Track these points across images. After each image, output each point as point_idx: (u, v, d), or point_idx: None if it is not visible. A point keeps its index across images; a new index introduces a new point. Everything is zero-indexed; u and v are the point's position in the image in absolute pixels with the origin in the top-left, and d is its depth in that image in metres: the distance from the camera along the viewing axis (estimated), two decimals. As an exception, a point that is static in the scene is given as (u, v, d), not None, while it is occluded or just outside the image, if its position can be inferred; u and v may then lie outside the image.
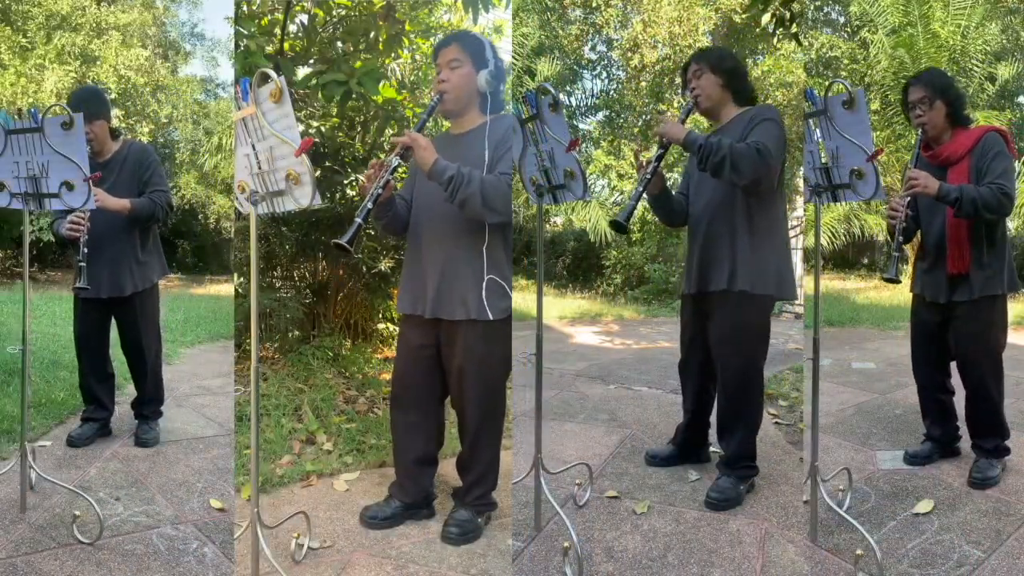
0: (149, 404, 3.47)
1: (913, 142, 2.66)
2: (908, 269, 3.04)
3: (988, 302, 2.75)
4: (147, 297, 3.36)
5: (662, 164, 2.66)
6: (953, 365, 2.95)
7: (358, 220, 2.19)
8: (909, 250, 2.98)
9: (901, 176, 2.72)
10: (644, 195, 2.68)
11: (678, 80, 12.28)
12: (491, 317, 2.36)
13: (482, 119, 2.46)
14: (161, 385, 3.54)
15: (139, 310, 3.33)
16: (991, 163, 2.64)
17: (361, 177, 4.62)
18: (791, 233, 10.44)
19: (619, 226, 2.56)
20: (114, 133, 3.31)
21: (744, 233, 2.60)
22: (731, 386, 2.70)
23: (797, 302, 9.82)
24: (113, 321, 3.40)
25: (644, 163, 2.68)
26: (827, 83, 2.58)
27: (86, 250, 2.98)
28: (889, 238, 2.72)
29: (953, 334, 2.85)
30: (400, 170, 2.34)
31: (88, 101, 3.17)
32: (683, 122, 2.64)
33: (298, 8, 4.19)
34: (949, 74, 2.81)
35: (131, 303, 3.30)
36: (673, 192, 2.90)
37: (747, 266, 2.60)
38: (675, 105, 12.12)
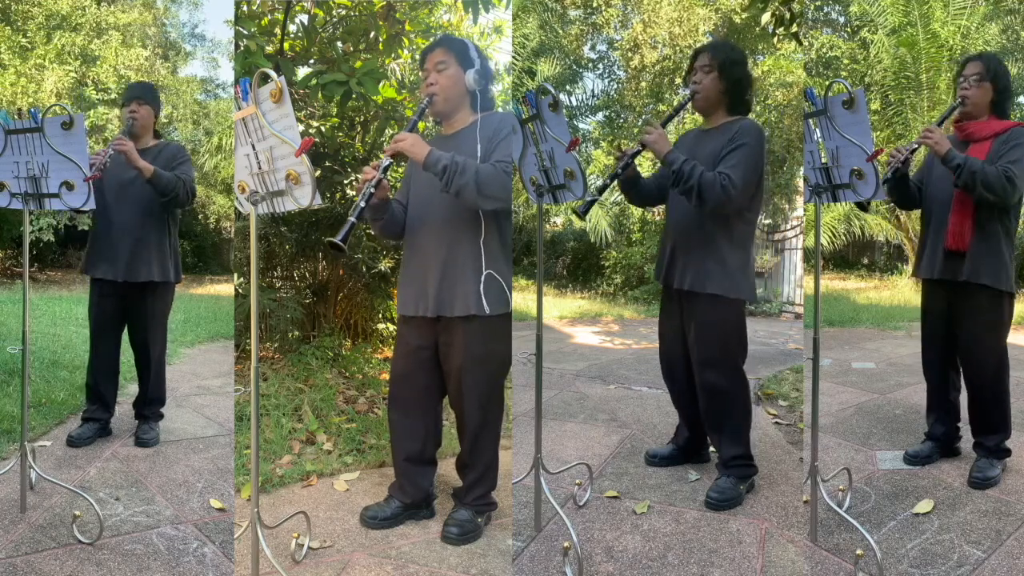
0: (151, 404, 3.47)
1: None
2: (908, 269, 3.05)
3: (990, 295, 2.74)
4: (159, 295, 3.38)
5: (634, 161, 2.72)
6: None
7: (351, 219, 2.20)
8: (905, 240, 3.05)
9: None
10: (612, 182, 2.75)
11: (678, 80, 12.34)
12: (487, 312, 2.36)
13: (473, 117, 2.48)
14: (164, 386, 3.55)
15: (150, 304, 3.36)
16: (1009, 150, 2.65)
17: (361, 177, 4.62)
18: (791, 233, 10.46)
19: (580, 216, 2.63)
20: (157, 133, 3.45)
21: (720, 237, 2.64)
22: (712, 388, 2.72)
23: (797, 302, 9.83)
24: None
25: (621, 155, 2.67)
26: (827, 83, 2.58)
27: (98, 173, 2.88)
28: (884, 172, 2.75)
29: (957, 326, 2.85)
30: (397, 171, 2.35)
31: (141, 85, 3.66)
32: (676, 115, 2.72)
33: (298, 8, 4.19)
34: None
35: (143, 298, 3.33)
36: (649, 175, 2.96)
37: (720, 270, 2.64)
38: (674, 105, 12.12)
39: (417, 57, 4.59)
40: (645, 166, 8.81)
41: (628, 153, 2.64)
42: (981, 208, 2.70)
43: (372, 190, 2.26)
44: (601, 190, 2.66)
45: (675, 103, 12.46)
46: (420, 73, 2.53)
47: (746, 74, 2.71)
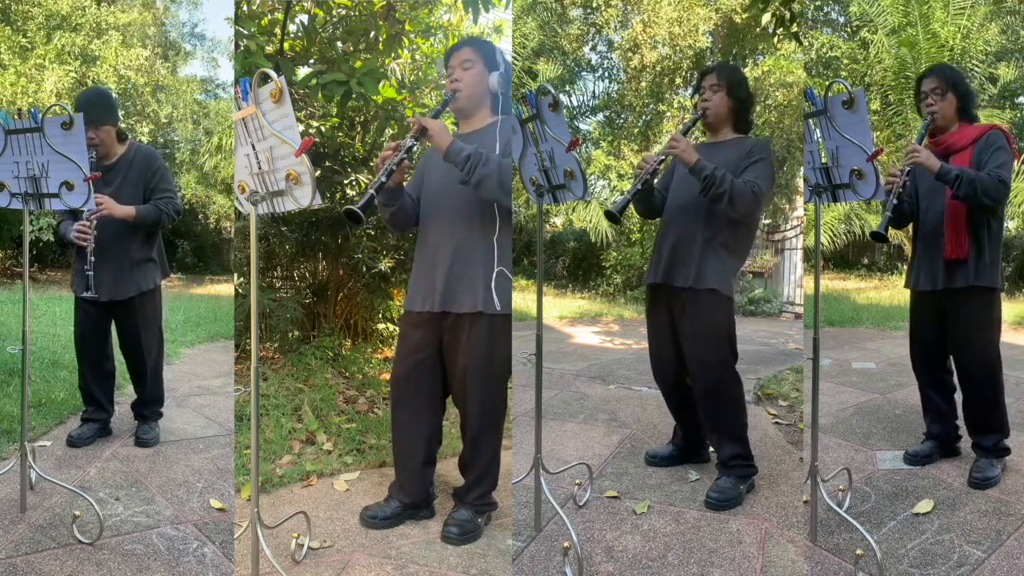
0: (149, 405, 3.47)
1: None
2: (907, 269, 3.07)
3: (983, 294, 2.78)
4: (148, 299, 3.35)
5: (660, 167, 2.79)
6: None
7: (371, 191, 2.21)
8: (905, 240, 3.08)
9: (903, 157, 2.76)
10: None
11: (678, 80, 12.32)
12: (498, 309, 2.38)
13: (492, 118, 2.51)
14: (161, 386, 3.54)
15: (139, 313, 3.32)
16: (992, 155, 2.71)
17: (361, 178, 4.62)
18: (791, 233, 10.46)
19: (613, 217, 2.68)
20: (121, 136, 3.29)
21: (722, 237, 2.69)
22: (709, 385, 2.72)
23: (797, 302, 9.83)
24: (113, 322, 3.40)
25: (644, 161, 2.75)
26: (827, 83, 2.59)
27: (93, 258, 2.99)
28: (883, 201, 2.77)
29: (950, 328, 2.87)
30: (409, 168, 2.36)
31: (95, 105, 3.13)
32: (687, 131, 2.76)
33: (298, 8, 4.19)
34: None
35: (131, 306, 3.29)
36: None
37: (717, 266, 2.68)
38: (674, 106, 12.11)
39: (417, 57, 4.60)
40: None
41: (655, 160, 2.73)
42: (973, 216, 2.75)
43: (394, 167, 2.25)
44: (634, 193, 2.73)
45: (675, 103, 12.44)
46: (445, 70, 2.55)
47: (750, 94, 2.84)
